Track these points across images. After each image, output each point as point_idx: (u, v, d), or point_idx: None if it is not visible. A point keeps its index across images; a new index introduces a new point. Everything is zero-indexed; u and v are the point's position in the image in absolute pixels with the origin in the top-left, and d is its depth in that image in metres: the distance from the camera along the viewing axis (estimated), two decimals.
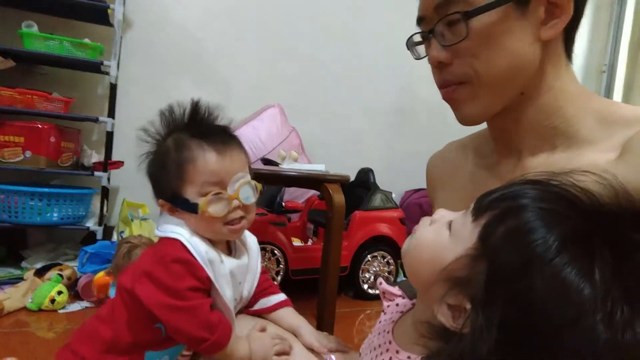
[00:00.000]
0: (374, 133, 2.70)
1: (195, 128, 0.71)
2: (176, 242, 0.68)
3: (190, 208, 0.68)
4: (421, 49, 0.64)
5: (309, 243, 2.20)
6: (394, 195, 2.22)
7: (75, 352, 0.71)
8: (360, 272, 2.03)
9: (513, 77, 0.56)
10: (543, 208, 0.41)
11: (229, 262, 0.73)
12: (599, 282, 0.37)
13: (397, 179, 2.61)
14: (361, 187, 2.21)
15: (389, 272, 2.11)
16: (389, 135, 2.73)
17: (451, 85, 0.58)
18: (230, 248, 0.78)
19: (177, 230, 0.70)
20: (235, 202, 0.69)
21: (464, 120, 0.60)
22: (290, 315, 0.80)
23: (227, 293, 0.70)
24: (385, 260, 2.09)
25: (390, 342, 0.53)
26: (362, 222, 2.03)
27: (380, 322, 0.61)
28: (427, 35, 0.59)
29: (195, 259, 0.67)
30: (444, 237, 0.46)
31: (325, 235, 1.40)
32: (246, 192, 0.70)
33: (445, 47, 0.56)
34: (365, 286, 2.06)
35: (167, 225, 0.71)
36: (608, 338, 0.35)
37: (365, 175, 2.23)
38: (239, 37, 2.35)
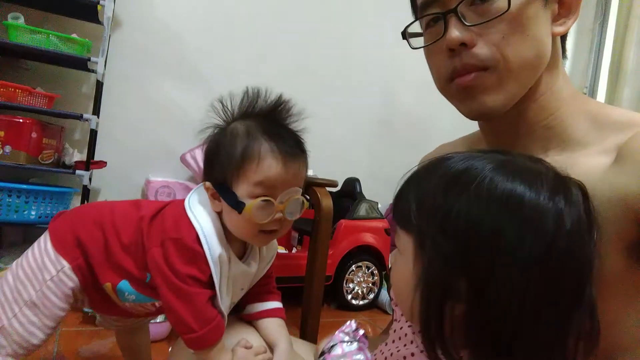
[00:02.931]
0: (359, 143, 2.71)
1: (272, 126, 0.69)
2: (194, 231, 0.67)
3: (236, 205, 0.66)
4: (417, 40, 0.60)
5: (294, 251, 2.17)
6: (380, 206, 2.22)
7: (75, 230, 0.75)
8: (345, 282, 2.01)
9: (536, 67, 0.54)
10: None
11: (237, 267, 0.72)
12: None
13: (382, 189, 2.62)
14: (347, 196, 2.21)
15: (373, 283, 2.09)
16: (374, 146, 2.74)
17: (472, 72, 0.53)
18: (244, 249, 0.77)
19: (202, 220, 0.69)
20: (279, 215, 0.67)
21: (481, 112, 0.55)
22: (273, 328, 0.78)
23: (225, 296, 0.69)
24: (369, 270, 2.07)
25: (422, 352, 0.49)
26: (348, 231, 2.01)
27: (394, 330, 0.57)
28: (443, 17, 0.54)
29: (205, 255, 0.66)
30: (399, 259, 0.48)
31: (312, 241, 1.39)
32: (293, 207, 0.69)
33: (468, 27, 0.52)
34: (349, 297, 2.03)
35: (197, 207, 0.71)
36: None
37: (352, 184, 2.23)
38: (227, 41, 2.34)
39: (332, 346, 0.59)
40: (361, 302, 2.05)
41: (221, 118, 0.71)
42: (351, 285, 2.03)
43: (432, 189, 0.44)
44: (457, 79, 0.55)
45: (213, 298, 0.68)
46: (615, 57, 2.97)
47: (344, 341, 0.59)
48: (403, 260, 0.47)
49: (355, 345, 0.58)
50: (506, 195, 0.41)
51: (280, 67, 2.45)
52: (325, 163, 2.61)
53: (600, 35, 3.09)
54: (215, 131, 0.71)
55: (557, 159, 0.54)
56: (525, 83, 0.54)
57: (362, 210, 2.09)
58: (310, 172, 1.71)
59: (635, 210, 0.45)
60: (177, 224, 0.69)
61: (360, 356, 0.56)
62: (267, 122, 0.69)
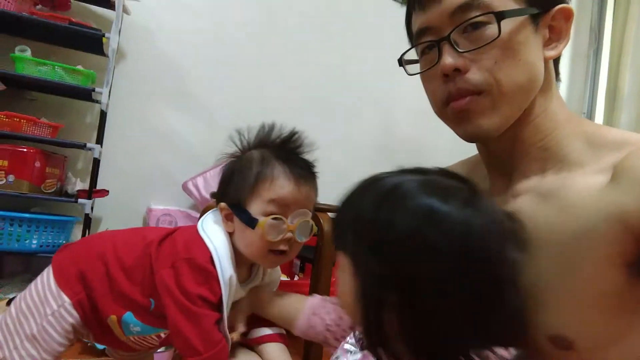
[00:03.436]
0: (359, 169, 2.69)
1: (284, 153, 0.74)
2: (207, 252, 0.69)
3: (249, 221, 0.69)
4: (413, 67, 0.63)
5: (296, 279, 2.15)
6: None
7: (77, 264, 0.75)
8: None
9: (529, 90, 0.56)
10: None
11: (238, 291, 0.73)
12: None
13: None
14: None
15: None
16: (373, 171, 2.74)
17: (467, 97, 0.55)
18: (249, 274, 0.78)
19: (215, 240, 0.71)
20: (289, 235, 0.70)
21: (477, 134, 0.57)
22: (275, 353, 0.79)
23: (226, 312, 0.70)
24: None
25: None
26: None
27: None
28: (437, 44, 0.56)
29: (217, 276, 0.67)
30: (341, 276, 0.52)
31: (314, 268, 1.37)
32: (303, 229, 0.72)
33: (461, 54, 0.54)
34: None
35: (210, 227, 0.73)
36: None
37: None
38: (228, 71, 2.39)
39: (337, 357, 0.58)
40: None
41: (237, 147, 0.77)
42: None
43: (362, 209, 0.50)
44: (453, 102, 0.57)
45: (219, 322, 0.69)
46: (611, 82, 3.01)
47: (349, 351, 0.58)
48: (345, 277, 0.51)
49: (359, 355, 0.57)
50: (424, 208, 0.46)
51: (282, 96, 2.49)
52: (325, 189, 2.60)
53: (595, 61, 3.15)
54: (232, 159, 0.76)
55: (554, 179, 0.55)
56: (519, 106, 0.56)
57: None
58: None
59: (632, 228, 0.45)
60: (190, 245, 0.71)
61: None
62: (280, 150, 0.74)
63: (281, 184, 0.69)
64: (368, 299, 0.47)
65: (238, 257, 0.73)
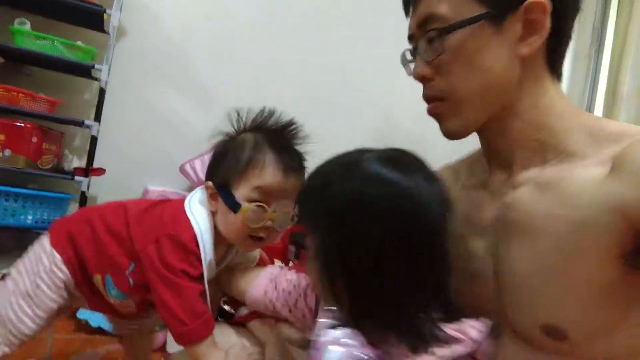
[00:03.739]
0: None
1: (279, 141, 0.74)
2: (192, 232, 0.70)
3: (232, 205, 0.70)
4: (413, 65, 0.65)
5: (290, 265, 2.16)
6: None
7: (68, 227, 0.80)
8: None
9: (490, 93, 0.58)
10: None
11: (212, 272, 0.75)
12: None
13: None
14: None
15: None
16: None
17: (434, 101, 0.61)
18: (224, 255, 0.80)
19: (200, 219, 0.72)
20: (269, 223, 0.71)
21: (448, 134, 0.63)
22: (263, 328, 0.81)
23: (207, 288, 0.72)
24: None
25: None
26: None
27: None
28: (414, 52, 0.63)
29: (200, 255, 0.69)
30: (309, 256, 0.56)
31: None
32: (283, 219, 0.73)
33: (427, 63, 0.59)
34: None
35: (196, 207, 0.74)
36: None
37: None
38: (230, 55, 2.37)
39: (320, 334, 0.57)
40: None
41: (233, 127, 0.77)
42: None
43: (316, 183, 0.55)
44: (427, 107, 0.64)
45: (203, 295, 0.70)
46: (611, 81, 3.02)
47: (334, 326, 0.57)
48: (310, 254, 0.55)
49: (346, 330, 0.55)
50: (374, 174, 0.51)
51: (282, 86, 2.46)
52: None
53: (596, 60, 3.15)
54: (226, 138, 0.76)
55: (554, 170, 0.55)
56: (483, 108, 0.59)
57: None
58: None
59: (631, 219, 0.45)
60: (176, 222, 0.72)
61: (351, 341, 0.53)
62: (275, 137, 0.75)
63: (270, 172, 0.70)
64: (324, 269, 0.51)
65: (217, 237, 0.74)
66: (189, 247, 0.69)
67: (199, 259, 0.69)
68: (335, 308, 0.52)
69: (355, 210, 0.50)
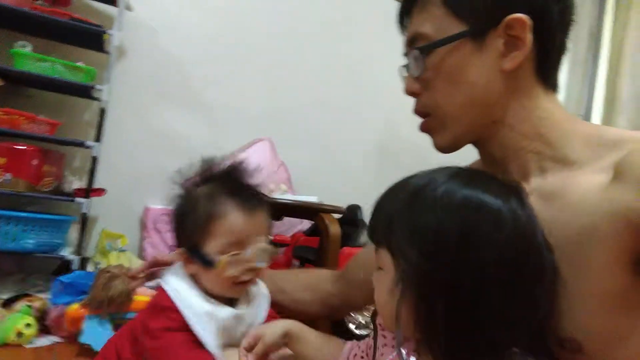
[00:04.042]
0: (361, 171, 2.71)
1: (230, 184, 0.74)
2: (163, 291, 0.71)
3: (207, 263, 0.70)
4: None
5: None
6: None
7: None
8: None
9: (474, 108, 0.59)
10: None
11: (224, 312, 0.73)
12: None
13: None
14: (349, 224, 2.18)
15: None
16: (376, 173, 2.74)
17: (424, 117, 0.64)
18: (232, 299, 0.78)
19: (169, 280, 0.72)
20: (250, 265, 0.71)
21: (439, 149, 0.65)
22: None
23: (210, 341, 0.69)
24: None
25: None
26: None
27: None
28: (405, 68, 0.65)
29: (176, 308, 0.68)
30: (381, 275, 0.52)
31: (319, 266, 1.36)
32: (262, 256, 0.73)
33: (415, 79, 0.62)
34: (352, 326, 1.98)
35: (167, 276, 0.74)
36: None
37: (353, 212, 2.21)
38: (231, 71, 2.37)
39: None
40: (365, 332, 2.00)
41: (182, 187, 0.76)
42: (354, 315, 1.98)
43: (400, 206, 0.51)
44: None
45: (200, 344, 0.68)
46: (609, 87, 3.03)
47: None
48: (384, 274, 0.51)
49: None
50: (465, 200, 0.47)
51: (284, 97, 2.47)
52: (329, 190, 2.60)
53: (593, 65, 3.16)
54: (179, 201, 0.76)
55: (556, 180, 0.55)
56: (469, 122, 0.61)
57: (365, 237, 2.07)
58: (314, 199, 1.71)
59: (637, 225, 0.45)
60: (152, 298, 0.74)
61: None
62: (226, 182, 0.74)
63: (233, 220, 0.70)
64: (423, 303, 0.47)
65: (210, 293, 0.74)
66: (164, 305, 0.69)
67: (174, 310, 0.68)
68: (420, 346, 0.49)
69: (468, 241, 0.45)
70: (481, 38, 0.57)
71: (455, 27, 0.58)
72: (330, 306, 0.89)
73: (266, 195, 0.79)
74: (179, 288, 0.71)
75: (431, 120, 0.63)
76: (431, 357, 0.47)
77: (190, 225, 0.71)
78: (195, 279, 0.74)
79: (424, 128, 0.65)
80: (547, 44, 0.59)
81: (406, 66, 0.64)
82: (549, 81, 0.61)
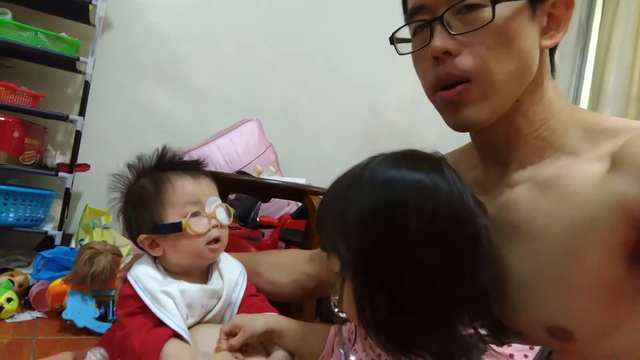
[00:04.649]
0: (346, 156, 2.68)
1: (166, 164, 0.78)
2: (128, 281, 0.73)
3: (175, 228, 0.72)
4: (405, 46, 0.61)
5: None
6: None
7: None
8: (332, 294, 1.98)
9: (520, 79, 0.55)
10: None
11: (188, 287, 0.74)
12: None
13: None
14: None
15: None
16: (359, 157, 2.72)
17: (457, 84, 0.54)
18: (207, 275, 0.81)
19: (132, 269, 0.75)
20: (214, 221, 0.74)
21: (465, 125, 0.57)
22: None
23: (171, 319, 0.70)
24: None
25: None
26: None
27: None
28: (429, 24, 0.54)
29: (134, 291, 0.71)
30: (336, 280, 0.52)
31: (306, 248, 1.36)
32: (222, 213, 0.77)
33: (453, 36, 0.52)
34: (337, 309, 2.00)
35: (133, 266, 0.76)
36: None
37: None
38: (217, 49, 2.34)
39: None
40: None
41: (123, 186, 0.79)
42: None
43: (333, 201, 0.50)
44: (441, 92, 0.55)
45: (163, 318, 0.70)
46: (596, 79, 3.06)
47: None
48: (337, 279, 0.51)
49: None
50: (387, 180, 0.46)
51: (270, 80, 2.44)
52: (315, 173, 2.59)
53: (581, 58, 3.19)
54: (124, 199, 0.79)
55: (552, 168, 0.54)
56: (510, 96, 0.55)
57: None
58: (303, 181, 1.70)
59: (634, 215, 0.45)
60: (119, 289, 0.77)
61: None
62: (160, 166, 0.78)
63: (182, 185, 0.74)
64: (361, 294, 0.47)
65: (178, 270, 0.76)
66: (126, 293, 0.72)
67: (133, 297, 0.71)
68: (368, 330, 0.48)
69: (395, 222, 0.45)
70: (535, 7, 0.54)
71: None
72: (305, 287, 0.88)
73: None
74: (139, 274, 0.74)
75: (471, 88, 0.53)
76: (382, 347, 0.48)
77: (143, 210, 0.74)
78: (162, 262, 0.76)
79: (453, 98, 0.55)
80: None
81: (436, 20, 0.54)
82: (553, 67, 0.61)
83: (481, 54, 0.52)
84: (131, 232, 0.78)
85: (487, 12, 0.51)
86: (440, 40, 0.53)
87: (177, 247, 0.74)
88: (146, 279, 0.73)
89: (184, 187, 0.74)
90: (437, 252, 0.44)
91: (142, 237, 0.75)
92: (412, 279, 0.45)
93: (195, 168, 0.78)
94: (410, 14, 0.58)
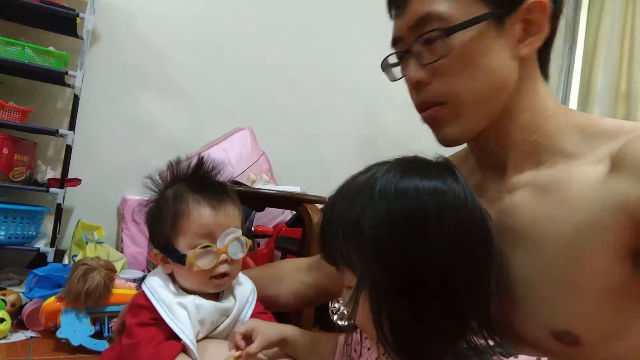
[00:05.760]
0: (344, 161, 2.70)
1: (196, 181, 0.75)
2: (142, 291, 0.72)
3: (179, 259, 0.71)
4: (397, 70, 0.64)
5: None
6: None
7: None
8: (330, 301, 1.97)
9: (492, 96, 0.56)
10: None
11: (202, 303, 0.73)
12: None
13: None
14: None
15: None
16: (358, 164, 2.73)
17: (431, 107, 0.58)
18: (218, 295, 0.79)
19: (147, 279, 0.74)
20: (223, 256, 0.72)
21: (446, 141, 0.60)
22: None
23: (185, 332, 0.70)
24: None
25: None
26: None
27: None
28: (404, 55, 0.59)
29: (149, 302, 0.70)
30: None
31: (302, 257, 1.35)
32: (235, 247, 0.74)
33: (423, 66, 0.56)
34: (335, 317, 1.99)
35: (149, 277, 0.75)
36: None
37: None
38: (209, 58, 2.33)
39: None
40: (347, 323, 2.01)
41: (154, 190, 0.77)
42: (337, 305, 1.99)
43: (342, 212, 0.49)
44: (422, 113, 0.60)
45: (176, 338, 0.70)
46: (585, 78, 3.09)
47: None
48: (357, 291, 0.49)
49: None
50: (402, 188, 0.46)
51: (264, 88, 2.44)
52: (312, 181, 2.59)
53: (569, 58, 3.22)
54: (151, 204, 0.77)
55: (551, 172, 0.54)
56: (485, 111, 0.57)
57: None
58: (297, 189, 1.70)
59: (637, 216, 0.45)
60: (132, 299, 0.75)
61: None
62: (191, 180, 0.76)
63: (197, 215, 0.71)
64: (380, 306, 0.45)
65: (188, 290, 0.75)
66: (140, 303, 0.71)
67: (148, 308, 0.70)
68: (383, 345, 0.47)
69: (417, 230, 0.44)
70: (501, 21, 0.54)
71: (476, 8, 0.54)
72: (305, 296, 0.88)
73: (235, 189, 0.79)
74: (155, 285, 0.72)
75: (444, 110, 0.57)
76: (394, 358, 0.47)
77: (161, 226, 0.73)
78: (173, 279, 0.75)
79: (432, 118, 0.59)
80: (552, 31, 0.57)
81: (403, 53, 0.59)
82: (545, 70, 0.61)
83: (449, 80, 0.56)
84: (151, 239, 0.77)
85: (448, 42, 0.54)
86: (412, 72, 0.58)
87: (181, 273, 0.73)
88: (161, 290, 0.72)
89: (200, 217, 0.71)
90: (458, 258, 0.44)
91: (155, 251, 0.75)
92: (434, 286, 0.44)
93: (220, 194, 0.74)
94: (392, 44, 0.62)
